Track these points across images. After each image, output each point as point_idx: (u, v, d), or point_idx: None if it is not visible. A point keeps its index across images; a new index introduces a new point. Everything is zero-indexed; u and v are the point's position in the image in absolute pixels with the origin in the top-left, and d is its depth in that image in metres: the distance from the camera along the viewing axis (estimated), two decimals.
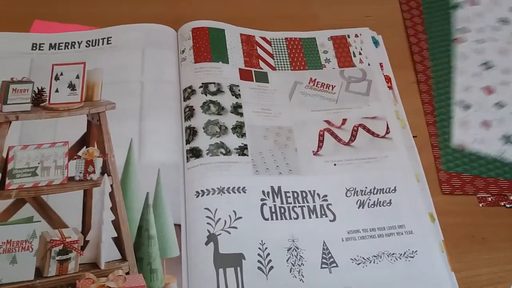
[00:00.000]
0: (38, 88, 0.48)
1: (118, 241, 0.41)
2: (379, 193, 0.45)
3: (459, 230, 0.44)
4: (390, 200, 0.45)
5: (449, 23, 0.59)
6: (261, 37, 0.56)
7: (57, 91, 0.48)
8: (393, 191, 0.46)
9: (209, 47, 0.53)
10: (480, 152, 0.49)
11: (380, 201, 0.45)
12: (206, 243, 0.41)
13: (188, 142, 0.47)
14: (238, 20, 0.56)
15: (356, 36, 0.58)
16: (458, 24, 0.58)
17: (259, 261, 0.41)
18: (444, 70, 0.56)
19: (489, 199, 0.46)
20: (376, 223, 0.44)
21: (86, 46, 0.51)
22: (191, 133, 0.47)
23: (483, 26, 0.58)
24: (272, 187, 0.46)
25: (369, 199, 0.45)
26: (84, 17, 0.54)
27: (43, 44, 0.51)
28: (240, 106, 0.49)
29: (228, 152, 0.46)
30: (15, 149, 0.44)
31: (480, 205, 0.46)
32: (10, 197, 0.42)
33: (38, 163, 0.44)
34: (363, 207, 0.45)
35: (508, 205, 0.45)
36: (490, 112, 0.52)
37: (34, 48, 0.51)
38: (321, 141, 0.49)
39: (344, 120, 0.51)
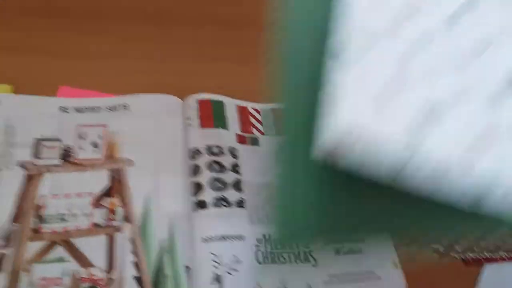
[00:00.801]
0: (65, 146, 0.54)
1: (139, 280, 0.47)
2: (352, 241, 0.54)
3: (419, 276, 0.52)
4: (361, 248, 0.54)
5: None
6: (253, 108, 0.65)
7: (82, 148, 0.55)
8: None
9: (212, 115, 0.61)
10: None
11: (353, 249, 0.53)
12: (212, 283, 0.48)
13: (195, 195, 0.54)
14: (236, 91, 0.65)
15: None
16: None
17: None
18: None
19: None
20: (351, 269, 0.52)
21: (107, 111, 0.59)
22: (198, 187, 0.55)
23: None
24: (264, 235, 0.53)
25: (344, 247, 0.54)
26: (104, 85, 0.61)
27: (68, 107, 0.58)
28: (238, 166, 0.57)
29: (229, 205, 0.54)
30: (46, 198, 0.50)
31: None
32: (44, 240, 0.47)
33: (67, 211, 0.50)
34: (339, 254, 0.53)
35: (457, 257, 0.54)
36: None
37: (61, 110, 0.57)
38: None
39: None
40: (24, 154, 0.53)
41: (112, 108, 0.59)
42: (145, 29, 0.69)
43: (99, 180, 0.52)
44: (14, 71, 0.60)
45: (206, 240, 0.50)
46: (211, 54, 0.70)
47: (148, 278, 0.46)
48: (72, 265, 0.46)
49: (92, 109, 0.58)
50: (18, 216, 0.49)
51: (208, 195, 0.54)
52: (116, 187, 0.52)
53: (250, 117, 0.64)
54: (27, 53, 0.62)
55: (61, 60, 0.62)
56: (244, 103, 0.65)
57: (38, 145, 0.54)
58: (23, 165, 0.52)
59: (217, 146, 0.58)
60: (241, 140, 0.61)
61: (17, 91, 0.58)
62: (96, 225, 0.49)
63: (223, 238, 0.51)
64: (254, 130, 0.63)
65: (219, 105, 0.63)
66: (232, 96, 0.65)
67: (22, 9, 0.66)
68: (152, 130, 0.58)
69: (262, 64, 0.70)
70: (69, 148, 0.55)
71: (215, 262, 0.49)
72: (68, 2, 0.69)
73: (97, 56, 0.65)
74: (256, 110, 0.65)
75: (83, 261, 0.46)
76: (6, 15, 0.64)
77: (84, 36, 0.66)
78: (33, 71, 0.60)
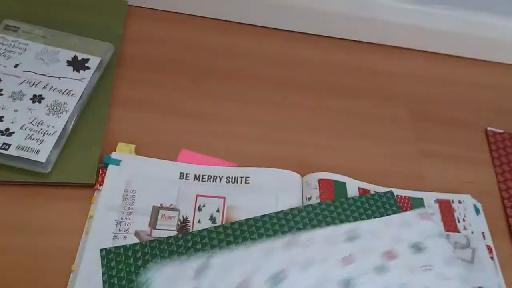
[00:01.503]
0: (183, 217, 0.51)
1: None
2: None
3: None
4: None
5: None
6: (375, 191, 0.59)
7: (199, 221, 0.51)
8: None
9: (333, 197, 0.56)
10: None
11: None
12: None
13: None
14: (352, 171, 0.60)
15: (459, 202, 0.60)
16: None
17: None
18: None
19: None
20: None
21: (226, 182, 0.55)
22: None
23: None
24: None
25: None
26: (223, 150, 0.58)
27: (189, 174, 0.55)
28: None
29: None
30: None
31: None
32: None
33: None
34: None
35: None
36: None
37: (181, 177, 0.54)
38: None
39: None
40: (142, 222, 0.50)
41: (232, 180, 0.56)
42: (272, 95, 0.67)
43: None
44: (136, 129, 0.58)
45: None
46: (343, 130, 0.66)
47: None
48: None
49: (212, 178, 0.55)
50: None
51: None
52: None
53: None
54: (150, 110, 0.60)
55: (183, 120, 0.60)
56: (366, 185, 0.59)
57: (156, 214, 0.51)
58: (138, 235, 0.50)
59: None
60: None
61: (139, 151, 0.56)
62: None
63: None
64: None
65: (342, 186, 0.57)
66: (350, 174, 0.59)
67: (148, 66, 0.65)
68: (271, 207, 0.54)
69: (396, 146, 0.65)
70: (187, 220, 0.51)
71: None
72: (196, 61, 0.68)
73: (219, 119, 0.62)
74: (378, 194, 0.60)
75: None
76: (131, 72, 0.64)
77: (208, 98, 0.64)
78: (154, 130, 0.59)
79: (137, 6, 0.72)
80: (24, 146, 0.50)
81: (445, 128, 0.69)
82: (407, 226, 0.53)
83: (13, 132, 0.51)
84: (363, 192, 0.58)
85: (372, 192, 0.58)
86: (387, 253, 0.51)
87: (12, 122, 0.52)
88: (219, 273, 0.46)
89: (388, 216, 0.54)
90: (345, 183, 0.57)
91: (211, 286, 0.45)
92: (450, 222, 0.58)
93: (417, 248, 0.52)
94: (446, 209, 0.60)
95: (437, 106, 0.72)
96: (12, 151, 0.50)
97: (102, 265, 0.46)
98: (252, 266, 0.47)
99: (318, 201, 0.55)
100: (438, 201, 0.60)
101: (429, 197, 0.60)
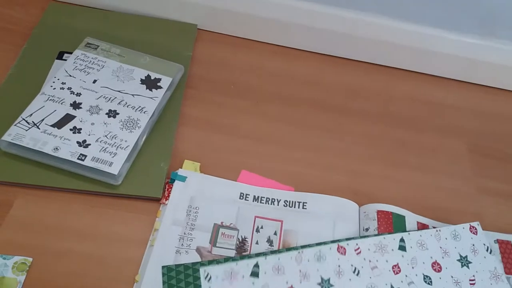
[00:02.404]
0: (242, 237, 0.52)
1: None
2: None
3: None
4: None
5: None
6: (433, 227, 0.57)
7: (257, 243, 0.52)
8: None
9: (392, 229, 0.55)
10: None
11: None
12: None
13: None
14: (407, 204, 0.59)
15: None
16: None
17: None
18: None
19: None
20: None
21: (284, 205, 0.55)
22: None
23: None
24: None
25: None
26: (281, 175, 0.58)
27: (249, 195, 0.55)
28: None
29: None
30: None
31: None
32: None
33: None
34: None
35: None
36: None
37: (241, 197, 0.55)
38: None
39: None
40: (203, 239, 0.51)
41: (289, 204, 0.56)
42: (330, 122, 0.66)
43: None
44: (201, 148, 0.60)
45: None
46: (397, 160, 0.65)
47: None
48: None
49: (270, 201, 0.56)
50: None
51: None
52: None
53: None
54: (214, 130, 0.62)
55: (244, 142, 0.61)
56: (425, 220, 0.58)
57: (217, 231, 0.52)
58: (199, 251, 0.50)
59: None
60: None
61: (202, 169, 0.57)
62: None
63: None
64: None
65: (400, 220, 0.56)
66: (406, 207, 0.58)
67: (213, 87, 0.67)
68: (328, 234, 0.53)
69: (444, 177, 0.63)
70: (245, 240, 0.52)
71: None
72: (258, 85, 0.69)
73: (278, 142, 0.62)
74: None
75: None
76: (198, 93, 0.65)
77: (268, 121, 0.64)
78: (218, 150, 0.60)
79: (205, 30, 0.74)
80: (98, 158, 0.53)
81: (504, 166, 0.67)
82: (456, 239, 0.54)
83: (89, 144, 0.54)
84: (422, 226, 0.56)
85: (431, 227, 0.57)
86: (435, 265, 0.51)
87: (89, 135, 0.54)
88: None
89: (437, 229, 0.55)
90: (404, 217, 0.56)
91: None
92: (511, 264, 0.56)
93: (465, 261, 0.52)
94: (507, 250, 0.57)
95: (496, 143, 0.70)
96: (87, 162, 0.52)
97: (163, 282, 0.47)
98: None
99: (376, 232, 0.54)
100: (498, 241, 0.57)
101: (489, 236, 0.58)
